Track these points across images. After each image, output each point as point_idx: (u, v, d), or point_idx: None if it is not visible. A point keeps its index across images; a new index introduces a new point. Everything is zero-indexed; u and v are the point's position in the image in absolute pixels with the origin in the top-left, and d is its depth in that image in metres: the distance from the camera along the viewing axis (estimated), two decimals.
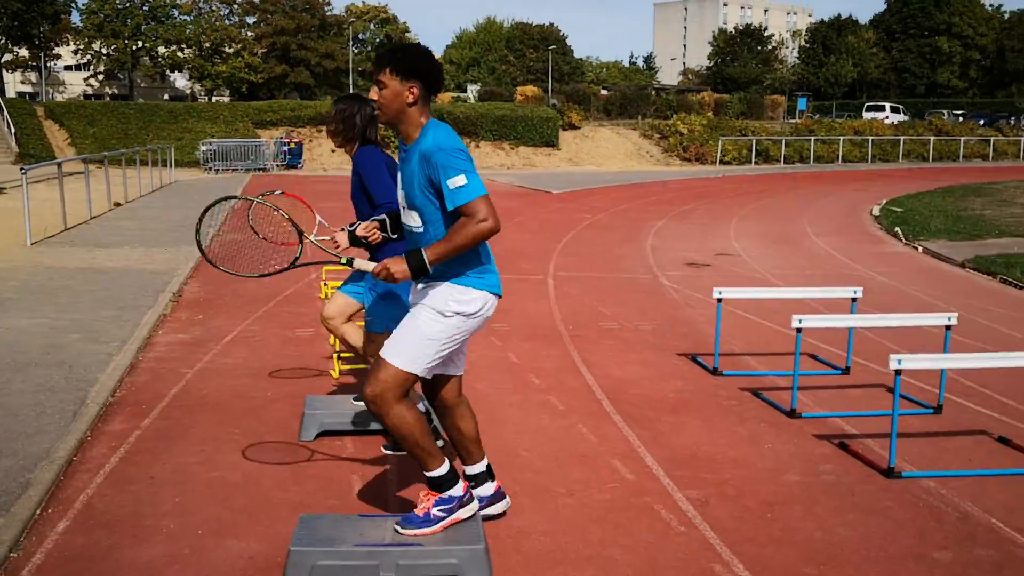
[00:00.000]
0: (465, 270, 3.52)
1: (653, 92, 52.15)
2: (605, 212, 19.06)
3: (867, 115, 57.56)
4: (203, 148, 31.12)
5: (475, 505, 3.71)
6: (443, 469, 3.62)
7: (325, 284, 8.27)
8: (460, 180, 3.31)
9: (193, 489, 4.37)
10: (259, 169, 31.30)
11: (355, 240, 4.40)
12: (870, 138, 43.90)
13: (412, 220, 3.54)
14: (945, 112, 59.51)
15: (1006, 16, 75.63)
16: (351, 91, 68.56)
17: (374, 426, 5.11)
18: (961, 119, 56.67)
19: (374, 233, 3.92)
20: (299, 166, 33.31)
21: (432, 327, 3.51)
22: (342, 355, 6.37)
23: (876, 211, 19.65)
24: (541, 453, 4.96)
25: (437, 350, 3.53)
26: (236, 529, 3.96)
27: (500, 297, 3.64)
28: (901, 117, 57.70)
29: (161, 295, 8.81)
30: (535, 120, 39.40)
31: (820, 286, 9.77)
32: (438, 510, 3.60)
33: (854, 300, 6.67)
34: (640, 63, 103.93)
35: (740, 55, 79.73)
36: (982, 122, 56.43)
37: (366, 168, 4.78)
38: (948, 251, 13.35)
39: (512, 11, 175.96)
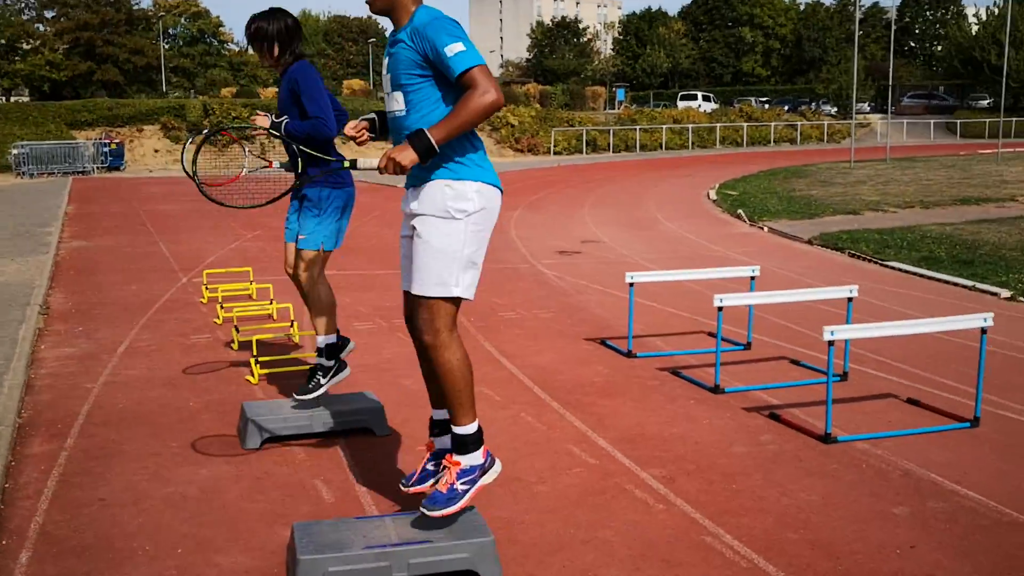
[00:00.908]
0: (454, 162, 3.34)
1: None
2: None
3: (681, 104, 60.08)
4: (15, 152, 29.09)
5: (498, 468, 3.57)
6: (473, 427, 3.46)
7: (206, 288, 7.98)
8: (458, 46, 3.18)
9: (153, 508, 4.14)
10: (79, 172, 29.56)
11: (276, 127, 4.81)
12: (689, 126, 45.78)
13: (395, 103, 3.39)
14: (752, 99, 62.84)
15: (802, 7, 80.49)
16: (164, 88, 66.05)
17: (317, 429, 4.99)
18: (767, 106, 59.94)
19: (363, 133, 3.69)
20: (121, 167, 31.68)
21: (443, 239, 3.32)
22: (260, 359, 6.17)
23: (713, 194, 20.57)
24: (497, 444, 4.96)
25: (464, 262, 3.34)
26: (216, 544, 3.79)
27: (501, 190, 3.45)
28: (713, 105, 60.49)
29: (28, 308, 8.24)
30: (366, 113, 38.85)
31: (694, 268, 10.18)
32: (462, 483, 3.45)
33: (752, 279, 7.01)
34: None
35: (558, 47, 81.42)
36: (786, 108, 59.85)
37: (306, 81, 4.78)
38: (792, 230, 14.16)
39: (328, 4, 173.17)
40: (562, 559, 3.66)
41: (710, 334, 7.49)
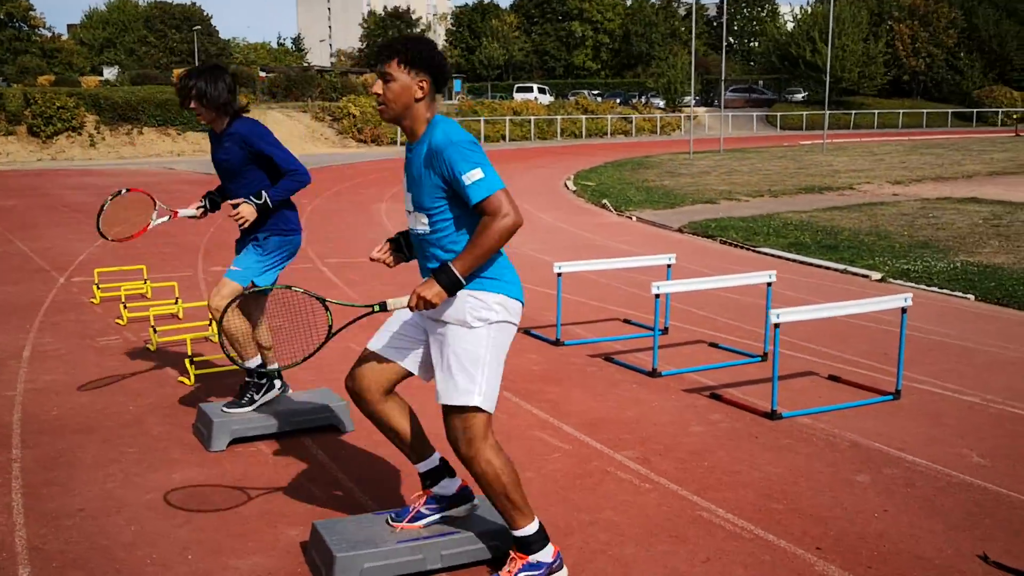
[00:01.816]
0: (478, 275, 3.22)
1: (318, 74, 51.60)
2: (322, 196, 18.81)
3: (518, 96, 60.94)
4: None
5: (565, 573, 3.41)
6: (533, 527, 3.31)
7: (98, 287, 7.64)
8: (477, 174, 3.07)
9: (140, 515, 3.99)
10: None
11: (215, 207, 5.08)
12: (531, 118, 46.51)
13: (419, 223, 3.26)
14: (586, 92, 64.41)
15: (629, 3, 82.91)
16: None
17: (284, 429, 4.92)
18: (600, 99, 61.61)
19: (387, 256, 3.50)
20: None
21: (465, 347, 3.21)
22: (194, 359, 5.98)
23: (571, 185, 21.06)
24: None
25: (489, 372, 3.24)
26: (225, 548, 3.71)
27: (522, 303, 3.35)
28: (549, 98, 61.65)
29: None
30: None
31: (586, 259, 10.47)
32: None
33: (669, 267, 7.31)
34: (289, 44, 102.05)
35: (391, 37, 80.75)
36: (618, 101, 61.69)
37: (266, 138, 4.75)
38: (659, 219, 14.73)
39: None
40: (578, 541, 3.78)
41: (626, 320, 7.75)
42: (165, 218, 5.04)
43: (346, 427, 5.05)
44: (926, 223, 13.59)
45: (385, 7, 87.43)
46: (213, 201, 5.09)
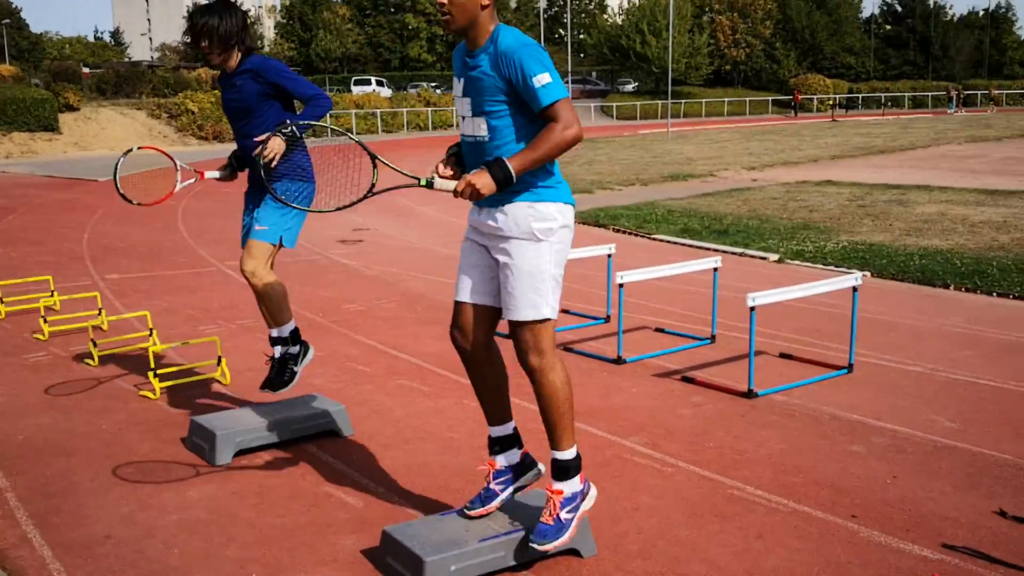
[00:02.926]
0: (536, 184, 3.28)
1: (149, 69, 49.37)
2: (187, 197, 18.09)
3: (356, 89, 60.21)
4: None
5: (594, 494, 3.56)
6: (573, 451, 3.46)
7: (45, 321, 7.15)
8: (546, 77, 3.10)
9: (176, 538, 3.81)
10: None
11: (249, 163, 4.71)
12: (377, 111, 46.06)
13: (477, 128, 3.29)
14: (425, 84, 64.28)
15: None
16: None
17: (286, 437, 4.78)
18: (439, 91, 61.61)
19: (454, 171, 3.44)
20: None
21: (531, 261, 3.28)
22: (158, 372, 5.71)
23: None
24: (467, 433, 5.03)
25: (552, 282, 3.33)
26: (286, 564, 3.59)
27: (574, 206, 3.44)
28: (387, 91, 61.22)
29: None
30: (28, 102, 35.28)
31: None
32: (566, 512, 3.41)
33: (610, 256, 7.49)
34: (107, 38, 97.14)
35: None
36: None
37: (282, 71, 4.59)
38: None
39: None
40: (631, 528, 3.87)
41: (564, 311, 7.88)
42: (191, 179, 4.65)
43: (346, 431, 4.96)
44: (797, 206, 14.37)
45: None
46: (240, 159, 4.82)
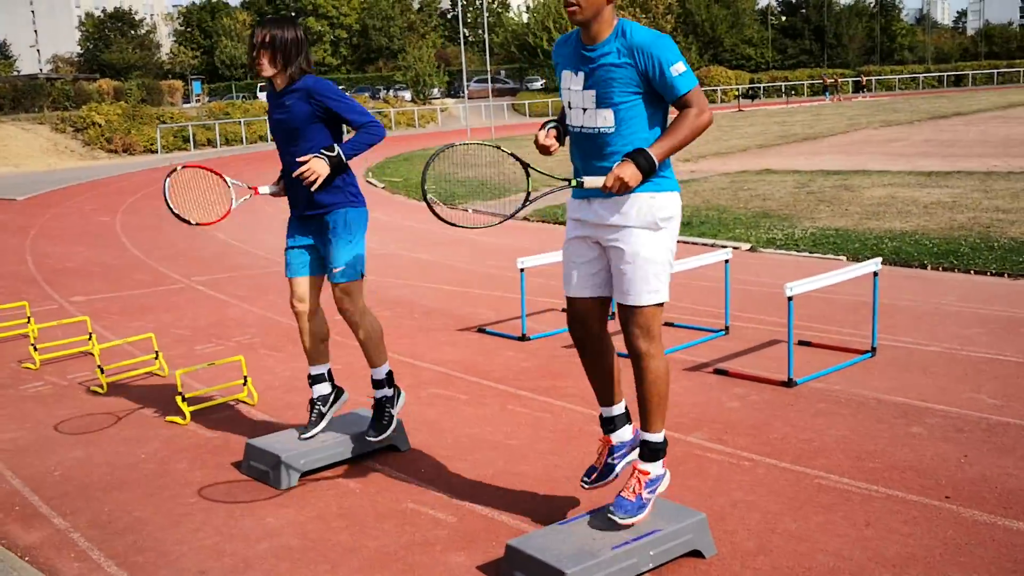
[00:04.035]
0: (662, 173, 3.38)
1: (47, 82, 47.55)
2: (127, 210, 17.48)
3: (262, 95, 59.16)
4: None
5: (668, 477, 3.69)
6: (662, 435, 3.58)
7: (35, 349, 6.77)
8: (681, 67, 3.23)
9: (278, 568, 3.63)
10: None
11: (294, 186, 4.48)
12: None
13: (601, 120, 3.35)
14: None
15: None
16: None
17: (347, 456, 4.62)
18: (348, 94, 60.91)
19: (554, 143, 3.49)
20: None
21: (652, 250, 3.37)
22: (187, 396, 5.47)
23: (376, 182, 20.78)
24: (528, 438, 4.94)
25: (668, 268, 3.44)
26: None
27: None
28: None
29: None
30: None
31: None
32: (647, 492, 3.53)
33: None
34: None
35: (115, 40, 75.91)
36: (368, 95, 61.36)
37: (336, 94, 4.40)
38: (494, 209, 14.87)
39: None
40: (738, 525, 3.84)
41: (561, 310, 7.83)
42: (246, 196, 4.42)
43: (404, 446, 4.82)
44: (748, 195, 14.59)
45: (104, 9, 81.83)
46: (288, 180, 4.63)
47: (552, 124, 3.55)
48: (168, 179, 4.36)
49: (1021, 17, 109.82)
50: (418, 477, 4.48)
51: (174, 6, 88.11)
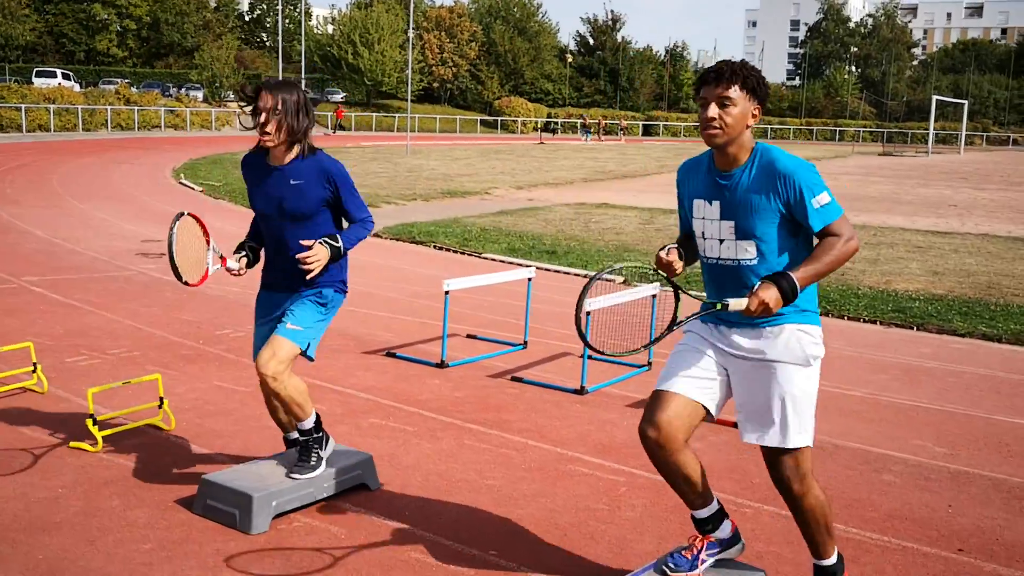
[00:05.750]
0: (809, 306, 3.19)
1: None
2: None
3: (38, 81, 54.74)
4: None
5: None
6: (836, 555, 3.39)
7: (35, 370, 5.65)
8: (825, 198, 3.04)
9: None
10: None
11: (256, 258, 4.17)
12: (78, 107, 42.10)
13: (741, 252, 3.13)
14: (124, 80, 59.66)
15: None
16: None
17: (320, 496, 4.10)
18: (135, 89, 57.44)
19: (678, 264, 3.20)
20: None
21: (803, 387, 3.16)
22: (97, 420, 4.69)
23: (195, 186, 19.54)
24: (504, 479, 4.56)
25: (814, 407, 3.22)
26: None
27: None
28: (75, 84, 56.33)
29: None
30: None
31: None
32: None
33: (530, 280, 7.20)
34: None
35: None
36: (160, 91, 58.09)
37: (352, 187, 4.00)
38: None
39: None
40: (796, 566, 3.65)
41: (472, 336, 7.48)
42: (217, 266, 3.98)
43: (374, 484, 4.33)
44: (600, 228, 14.69)
45: None
46: (254, 251, 4.13)
47: (672, 246, 3.26)
48: (176, 223, 3.84)
49: (788, 78, 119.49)
50: (405, 520, 4.01)
51: None
